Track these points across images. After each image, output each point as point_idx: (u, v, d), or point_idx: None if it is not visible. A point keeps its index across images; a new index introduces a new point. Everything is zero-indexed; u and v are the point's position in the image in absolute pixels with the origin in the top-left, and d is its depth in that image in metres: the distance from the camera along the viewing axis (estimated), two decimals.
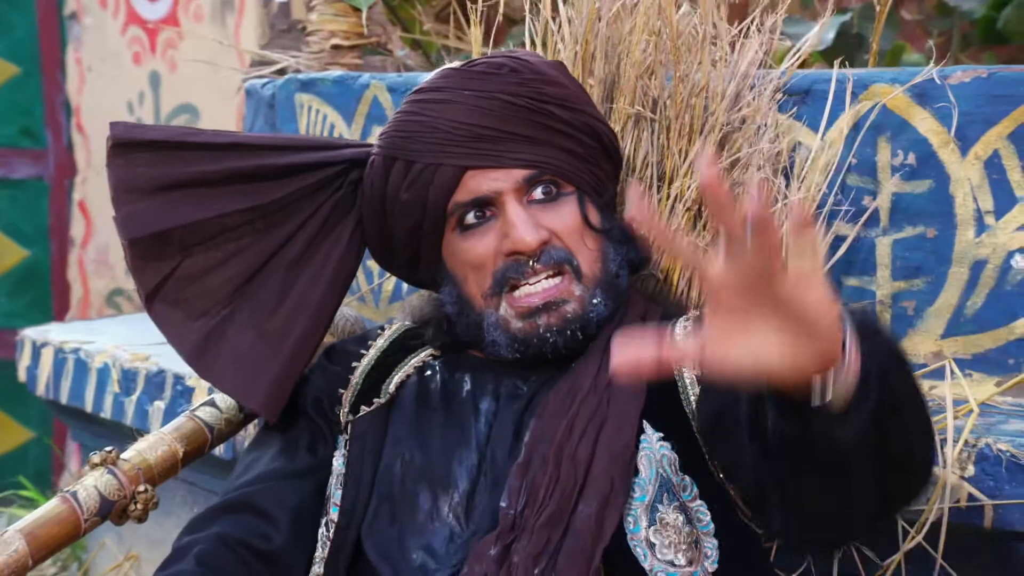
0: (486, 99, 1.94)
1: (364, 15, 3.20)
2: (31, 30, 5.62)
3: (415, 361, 2.06)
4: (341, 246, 2.10)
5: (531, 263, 1.92)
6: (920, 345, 2.22)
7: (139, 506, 2.04)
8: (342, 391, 2.06)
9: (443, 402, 1.99)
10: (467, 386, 2.00)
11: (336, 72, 2.87)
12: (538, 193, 1.94)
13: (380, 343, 2.11)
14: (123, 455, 2.07)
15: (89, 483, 2.02)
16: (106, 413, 2.87)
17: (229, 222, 2.09)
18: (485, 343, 1.97)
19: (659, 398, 1.89)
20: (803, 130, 2.24)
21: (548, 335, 1.93)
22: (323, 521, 2.00)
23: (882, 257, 2.23)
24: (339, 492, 1.98)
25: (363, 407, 2.01)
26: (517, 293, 1.94)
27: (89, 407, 2.92)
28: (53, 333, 3.15)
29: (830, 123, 2.23)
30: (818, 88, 2.26)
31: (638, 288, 2.15)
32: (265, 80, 3.02)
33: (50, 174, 5.57)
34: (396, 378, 2.04)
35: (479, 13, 2.37)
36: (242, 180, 2.08)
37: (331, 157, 2.09)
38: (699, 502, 1.84)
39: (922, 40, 4.06)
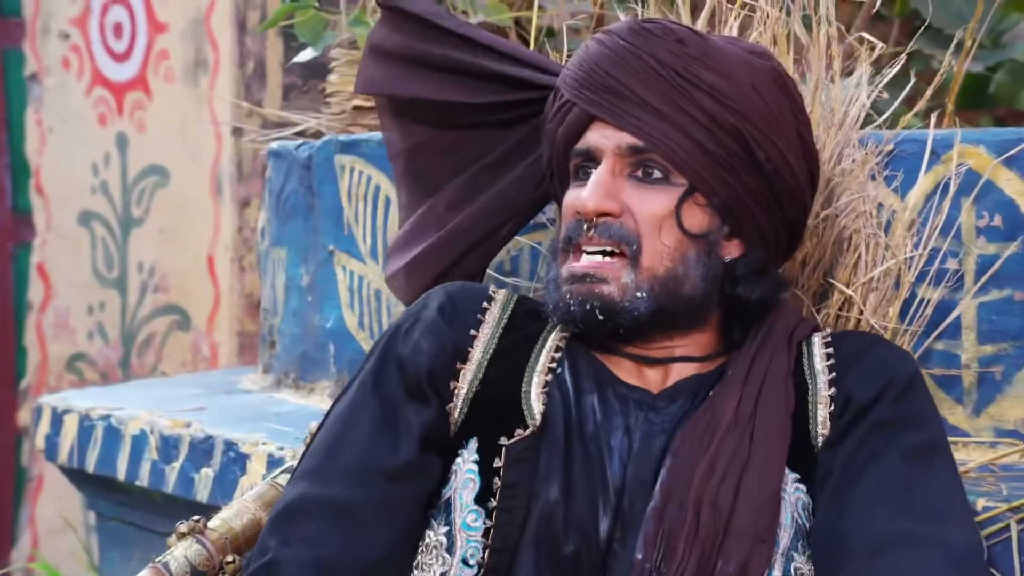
0: (633, 55, 1.88)
1: None
2: None
3: (544, 360, 1.94)
4: (529, 177, 2.11)
5: (586, 229, 1.88)
6: (1010, 411, 2.20)
7: None
8: (460, 365, 1.94)
9: (579, 433, 1.89)
10: (596, 416, 1.90)
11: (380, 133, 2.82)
12: (639, 170, 1.89)
13: (495, 312, 1.99)
14: (209, 524, 2.02)
15: (179, 553, 1.99)
16: (142, 482, 2.79)
17: (451, 113, 2.14)
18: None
19: (796, 435, 1.86)
20: (885, 190, 2.23)
21: (571, 303, 1.88)
22: (440, 535, 1.89)
23: (967, 320, 2.21)
24: (477, 515, 1.87)
25: (516, 428, 1.88)
26: (574, 257, 1.90)
27: (122, 476, 2.84)
28: (74, 400, 3.07)
29: (912, 184, 2.22)
30: (900, 148, 2.24)
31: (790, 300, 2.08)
32: (299, 142, 2.97)
33: None
34: (535, 390, 1.91)
35: None
36: (468, 75, 2.12)
37: (540, 79, 2.08)
38: None
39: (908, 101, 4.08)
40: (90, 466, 2.91)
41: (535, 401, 1.90)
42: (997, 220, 2.20)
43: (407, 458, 1.89)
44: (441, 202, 2.15)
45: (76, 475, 3.05)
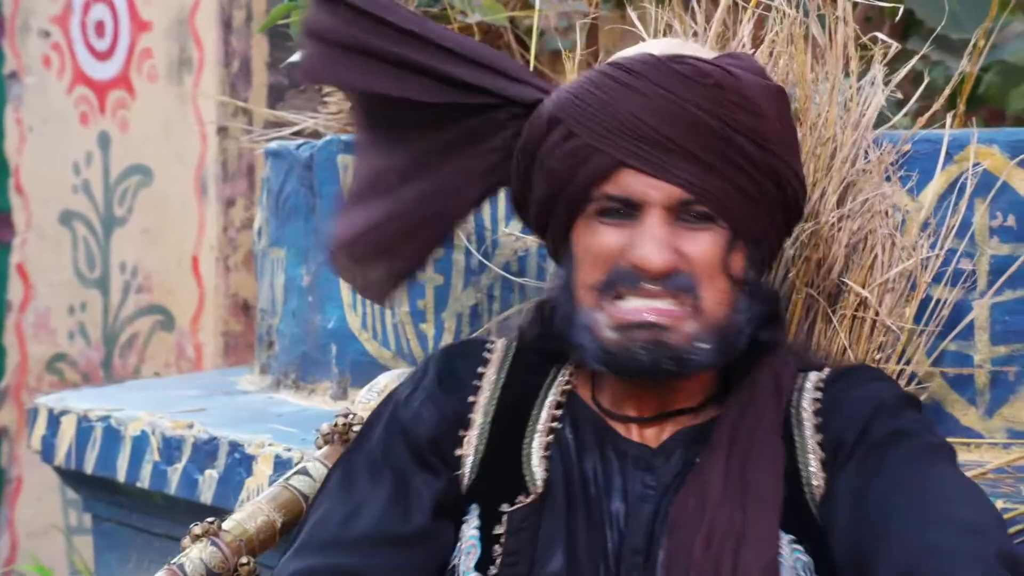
0: (674, 105, 1.79)
1: None
2: None
3: (545, 417, 1.91)
4: (476, 168, 2.03)
5: (647, 285, 1.79)
6: (1023, 412, 2.20)
7: None
8: (463, 433, 1.91)
9: (582, 496, 1.86)
10: (598, 477, 1.87)
11: None
12: (686, 214, 1.81)
13: (491, 375, 1.95)
14: (223, 526, 2.01)
15: (194, 555, 1.97)
16: (143, 483, 2.76)
17: (394, 108, 2.06)
18: (571, 343, 1.86)
19: (787, 494, 1.80)
20: (899, 190, 2.22)
21: (641, 352, 1.79)
22: None
23: (981, 321, 2.21)
24: None
25: (518, 493, 1.85)
26: (623, 304, 1.81)
27: (122, 477, 2.81)
28: (71, 401, 3.04)
29: (925, 184, 2.22)
30: (914, 148, 2.24)
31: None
32: (300, 142, 2.95)
33: None
34: (536, 452, 1.88)
35: None
36: (415, 72, 2.03)
37: (501, 88, 1.99)
38: None
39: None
40: (88, 467, 2.88)
41: (536, 466, 1.87)
42: (1011, 220, 2.20)
43: (419, 525, 1.86)
44: (393, 172, 2.07)
45: (73, 476, 3.02)
